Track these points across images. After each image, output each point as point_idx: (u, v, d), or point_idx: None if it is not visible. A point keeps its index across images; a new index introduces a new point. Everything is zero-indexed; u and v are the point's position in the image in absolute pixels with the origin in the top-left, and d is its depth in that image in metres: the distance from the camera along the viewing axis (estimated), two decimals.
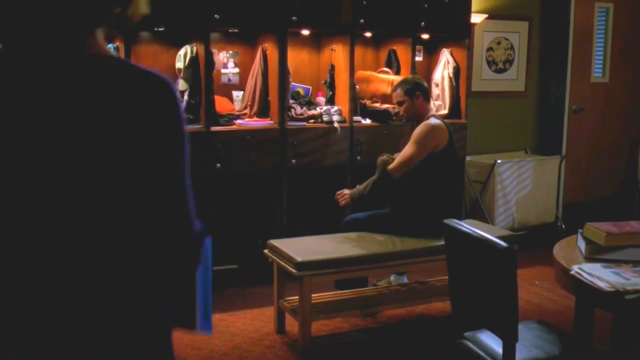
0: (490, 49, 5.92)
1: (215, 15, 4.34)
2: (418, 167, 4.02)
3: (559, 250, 2.91)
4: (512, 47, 6.01)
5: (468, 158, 5.76)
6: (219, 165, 4.46)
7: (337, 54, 4.95)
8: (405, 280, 4.51)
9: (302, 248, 3.73)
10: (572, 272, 2.59)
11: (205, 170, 4.42)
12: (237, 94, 4.92)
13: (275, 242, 3.84)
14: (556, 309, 4.30)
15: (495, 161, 5.55)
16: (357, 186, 4.16)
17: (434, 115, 4.13)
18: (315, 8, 4.62)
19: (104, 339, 1.29)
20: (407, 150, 3.98)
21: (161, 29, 4.53)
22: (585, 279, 2.51)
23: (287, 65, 4.69)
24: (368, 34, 5.08)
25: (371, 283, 4.41)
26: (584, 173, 6.44)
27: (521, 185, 5.72)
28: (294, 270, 3.57)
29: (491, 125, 6.06)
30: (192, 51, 4.48)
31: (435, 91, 5.44)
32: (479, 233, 2.42)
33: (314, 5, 4.61)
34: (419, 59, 5.53)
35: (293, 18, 4.55)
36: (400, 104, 4.17)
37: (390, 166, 4.00)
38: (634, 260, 2.71)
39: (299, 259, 3.57)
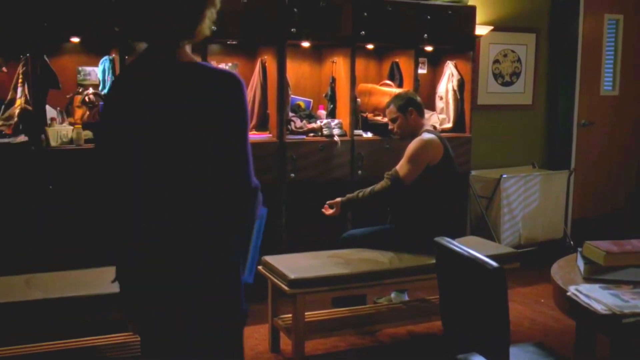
0: (496, 61, 5.81)
1: (212, 27, 4.27)
2: (415, 182, 3.92)
3: (558, 270, 2.80)
4: (519, 60, 5.90)
5: (473, 172, 5.66)
6: None
7: (338, 66, 4.87)
8: (406, 297, 4.40)
9: (296, 265, 3.64)
10: (568, 294, 2.47)
11: None
12: None
13: (269, 259, 3.75)
14: (561, 328, 4.17)
15: (501, 176, 5.43)
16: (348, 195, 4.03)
17: (428, 130, 4.03)
18: (314, 20, 4.54)
19: (198, 267, 1.86)
20: (401, 168, 3.88)
21: None
22: (582, 301, 2.39)
23: (286, 78, 4.62)
24: (370, 46, 5.00)
25: (372, 300, 4.31)
26: (593, 188, 6.30)
27: (528, 200, 5.60)
28: (286, 288, 3.47)
29: (498, 139, 5.95)
30: None
31: (439, 104, 5.34)
32: (468, 252, 2.31)
33: (313, 16, 4.53)
34: (422, 71, 5.45)
35: (292, 30, 4.48)
36: (393, 120, 4.07)
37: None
38: (634, 281, 2.59)
39: (292, 276, 3.47)
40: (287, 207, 4.61)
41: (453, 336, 2.54)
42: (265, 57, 4.67)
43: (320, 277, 3.52)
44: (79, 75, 4.46)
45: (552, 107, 6.12)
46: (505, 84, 5.89)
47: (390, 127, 4.15)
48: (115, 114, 1.89)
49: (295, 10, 4.46)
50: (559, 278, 2.67)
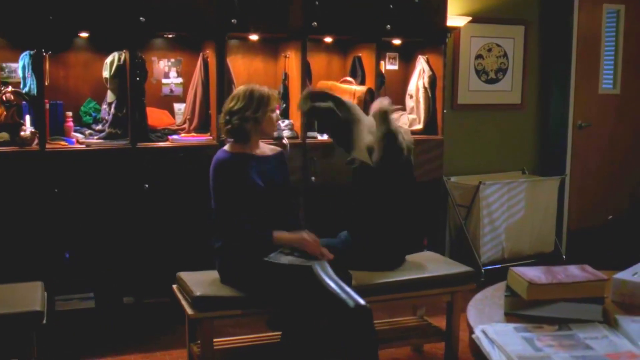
0: (479, 56, 5.28)
1: (141, 18, 3.87)
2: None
3: (478, 302, 2.31)
4: (505, 55, 5.35)
5: (452, 179, 5.16)
6: (147, 185, 3.97)
7: (291, 61, 4.42)
8: None
9: (210, 282, 3.17)
10: (473, 335, 1.98)
11: (132, 190, 3.95)
12: (179, 107, 4.44)
13: (183, 275, 3.30)
14: None
15: (480, 182, 4.90)
16: None
17: None
18: (259, 9, 4.09)
19: None
20: None
21: (85, 35, 4.08)
22: (483, 346, 1.90)
23: (230, 75, 4.21)
24: (328, 39, 4.54)
25: None
26: (592, 196, 5.70)
27: (512, 210, 5.05)
28: (189, 311, 3.03)
29: (482, 142, 5.41)
30: (119, 59, 4.02)
31: (409, 103, 4.84)
32: (332, 285, 1.84)
33: (257, 6, 4.09)
34: (393, 67, 4.97)
35: (233, 21, 4.04)
36: None
37: None
38: (564, 319, 2.09)
39: (198, 292, 3.03)
40: None
41: None
42: (207, 52, 4.24)
43: (229, 298, 3.05)
44: (2, 72, 4.09)
45: (544, 107, 5.56)
46: (490, 81, 5.35)
47: None
48: None
49: None
50: (474, 313, 2.18)
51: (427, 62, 4.72)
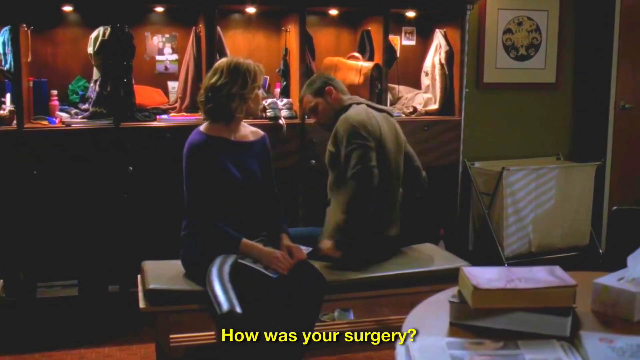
0: (508, 30, 4.81)
1: None
2: (338, 178, 3.13)
3: (427, 307, 1.95)
4: (537, 29, 4.87)
5: (476, 164, 4.75)
6: (131, 168, 3.76)
7: (291, 35, 4.11)
8: (350, 316, 3.63)
9: (171, 274, 2.92)
10: (395, 351, 1.65)
11: (116, 173, 3.75)
12: (173, 85, 4.20)
13: (146, 265, 3.06)
14: None
15: (503, 168, 4.47)
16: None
17: (356, 102, 3.18)
18: None
19: None
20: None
21: (69, 9, 3.89)
22: None
23: (223, 49, 3.96)
24: (333, 12, 4.20)
25: None
26: (634, 185, 5.15)
27: (541, 198, 4.61)
28: (141, 304, 2.79)
29: (511, 125, 4.97)
30: (103, 34, 3.80)
31: (424, 82, 4.45)
32: (214, 284, 1.55)
33: None
34: (410, 42, 4.59)
35: None
36: (313, 110, 3.22)
37: None
38: (522, 333, 1.71)
39: (151, 285, 2.78)
40: None
41: None
42: (200, 26, 3.98)
43: (184, 292, 2.78)
44: None
45: (581, 86, 5.05)
46: (520, 58, 4.88)
47: (313, 120, 3.34)
48: None
49: None
50: (413, 321, 1.83)
51: (445, 36, 4.32)
